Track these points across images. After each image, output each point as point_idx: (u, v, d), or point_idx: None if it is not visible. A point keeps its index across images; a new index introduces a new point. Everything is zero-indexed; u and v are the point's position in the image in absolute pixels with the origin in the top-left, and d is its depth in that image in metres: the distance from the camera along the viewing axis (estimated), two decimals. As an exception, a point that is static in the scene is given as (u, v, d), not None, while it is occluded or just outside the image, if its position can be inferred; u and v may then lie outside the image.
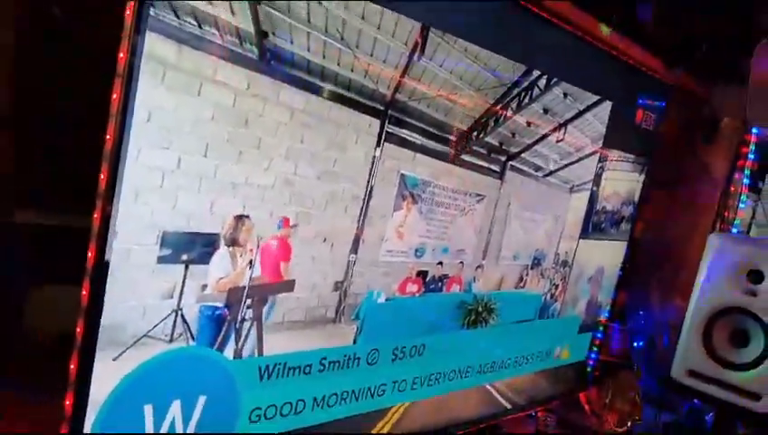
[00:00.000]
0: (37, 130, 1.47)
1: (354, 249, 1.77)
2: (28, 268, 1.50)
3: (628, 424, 3.02)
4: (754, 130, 3.34)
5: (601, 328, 3.07)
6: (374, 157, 1.75)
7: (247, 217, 1.51)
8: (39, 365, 1.52)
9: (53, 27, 1.49)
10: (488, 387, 2.42)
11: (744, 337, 2.46)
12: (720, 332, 2.49)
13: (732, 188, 3.43)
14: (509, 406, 2.55)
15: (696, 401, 3.03)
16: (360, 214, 1.76)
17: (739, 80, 2.80)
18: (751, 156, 3.39)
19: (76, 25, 1.46)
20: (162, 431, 1.47)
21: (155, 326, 1.41)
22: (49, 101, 1.47)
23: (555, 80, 2.24)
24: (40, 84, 1.49)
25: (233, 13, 1.36)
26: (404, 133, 1.81)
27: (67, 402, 1.33)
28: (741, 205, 3.44)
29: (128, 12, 1.22)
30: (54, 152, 1.43)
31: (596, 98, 2.48)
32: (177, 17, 1.28)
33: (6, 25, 1.47)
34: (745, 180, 3.40)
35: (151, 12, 1.23)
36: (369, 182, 1.75)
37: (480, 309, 2.25)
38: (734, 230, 3.45)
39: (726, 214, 3.44)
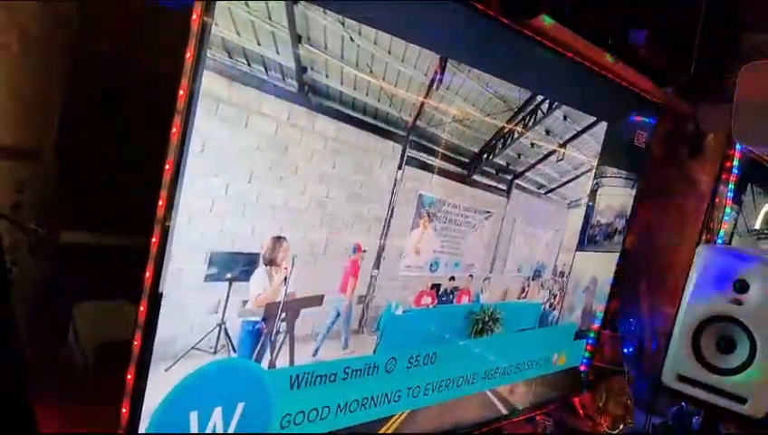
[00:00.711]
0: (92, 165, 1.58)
1: (377, 265, 1.90)
2: (77, 286, 1.61)
3: (621, 427, 3.16)
4: (738, 147, 3.51)
5: (594, 335, 3.22)
6: (396, 179, 1.87)
7: (284, 238, 1.62)
8: (87, 378, 1.62)
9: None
10: (489, 392, 2.56)
11: (731, 344, 2.57)
12: (708, 338, 2.60)
13: (717, 201, 3.60)
14: (509, 411, 2.69)
15: (683, 404, 3.19)
16: (382, 232, 1.88)
17: (724, 98, 2.93)
18: (735, 170, 3.57)
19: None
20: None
21: (201, 339, 1.52)
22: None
23: (556, 103, 2.38)
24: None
25: (278, 52, 1.48)
26: (423, 157, 1.94)
27: (123, 410, 1.43)
28: (725, 217, 3.61)
29: (188, 55, 1.33)
30: (108, 181, 1.53)
31: (593, 119, 2.63)
32: (230, 57, 1.39)
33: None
34: (730, 193, 3.57)
35: (208, 54, 1.35)
36: (390, 203, 1.88)
37: (486, 319, 2.39)
38: (719, 240, 3.62)
39: (712, 225, 3.60)
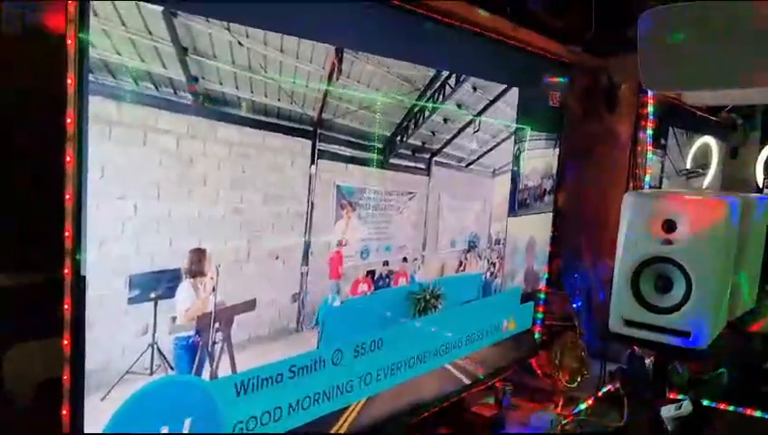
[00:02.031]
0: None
1: (305, 262, 1.91)
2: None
3: (579, 379, 3.26)
4: (650, 93, 3.63)
5: (542, 295, 3.30)
6: (310, 175, 1.89)
7: (203, 249, 1.63)
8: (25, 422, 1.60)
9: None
10: (447, 367, 2.61)
11: (668, 282, 2.62)
12: (646, 281, 2.65)
13: (639, 148, 3.72)
14: (468, 382, 2.74)
15: (635, 347, 3.29)
16: (306, 228, 1.90)
17: (630, 49, 3.02)
18: (651, 116, 3.69)
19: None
20: (155, 458, 1.58)
21: (135, 362, 1.52)
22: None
23: (463, 76, 2.43)
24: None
25: (164, 66, 1.48)
26: (335, 148, 1.96)
27: (64, 446, 1.43)
28: (649, 162, 3.74)
29: (69, 81, 1.32)
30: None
31: (503, 86, 2.69)
32: (115, 78, 1.39)
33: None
34: (649, 139, 3.70)
35: (90, 78, 1.34)
36: (309, 198, 1.90)
37: (427, 297, 2.43)
38: (647, 186, 3.74)
39: (637, 172, 3.72)
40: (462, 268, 2.62)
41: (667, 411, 2.40)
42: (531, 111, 2.90)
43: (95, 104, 1.36)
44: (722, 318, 2.72)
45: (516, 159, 2.87)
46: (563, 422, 2.88)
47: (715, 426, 2.80)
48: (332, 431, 2.09)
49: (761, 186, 5.30)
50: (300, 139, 1.85)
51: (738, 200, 2.70)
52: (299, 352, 1.93)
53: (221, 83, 1.61)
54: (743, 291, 2.99)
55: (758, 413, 3.36)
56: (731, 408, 3.42)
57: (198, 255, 1.62)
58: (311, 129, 1.88)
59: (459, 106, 2.47)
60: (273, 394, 1.86)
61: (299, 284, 1.91)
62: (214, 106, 1.60)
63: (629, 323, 2.72)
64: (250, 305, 1.77)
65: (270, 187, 1.78)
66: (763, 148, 5.32)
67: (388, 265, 2.22)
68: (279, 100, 1.76)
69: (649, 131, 3.67)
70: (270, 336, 1.84)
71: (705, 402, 3.34)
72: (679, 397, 2.94)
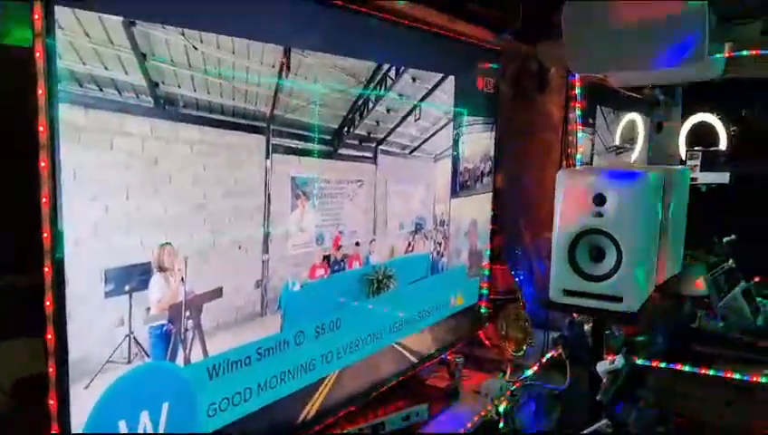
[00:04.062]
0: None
1: (266, 250, 2.04)
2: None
3: (524, 348, 3.47)
4: (577, 75, 3.85)
5: (486, 272, 3.49)
6: (266, 168, 2.01)
7: (169, 243, 1.74)
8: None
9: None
10: (402, 343, 2.77)
11: (601, 252, 2.79)
12: (581, 252, 2.81)
13: (569, 128, 3.94)
14: (422, 356, 2.91)
15: (574, 314, 3.51)
16: (265, 219, 2.02)
17: (557, 35, 3.20)
18: (579, 97, 3.91)
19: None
20: (137, 440, 1.69)
21: (114, 352, 1.62)
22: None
23: (403, 68, 2.58)
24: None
25: (126, 73, 1.58)
26: (287, 142, 2.08)
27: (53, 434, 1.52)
28: (579, 141, 3.96)
29: (40, 91, 1.41)
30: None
31: (440, 75, 2.85)
32: (81, 86, 1.48)
33: None
34: (579, 119, 3.92)
35: (59, 87, 1.44)
36: (266, 190, 2.02)
37: (380, 277, 2.58)
38: (579, 163, 3.96)
39: (569, 150, 3.95)
40: (411, 249, 2.78)
41: (602, 367, 2.60)
42: (467, 98, 3.08)
43: (65, 112, 1.45)
44: (650, 283, 2.92)
45: (456, 143, 3.04)
46: (512, 388, 3.08)
47: (646, 381, 3.03)
48: (297, 409, 2.23)
49: (684, 158, 5.63)
50: (255, 135, 1.97)
51: (662, 172, 2.91)
52: (264, 335, 2.06)
53: (179, 86, 1.72)
54: (669, 257, 3.22)
55: (687, 368, 3.64)
56: (663, 365, 3.70)
57: (166, 249, 1.73)
58: (264, 125, 1.99)
59: (400, 96, 2.62)
60: (243, 376, 1.99)
61: (261, 271, 2.03)
62: (174, 108, 1.71)
63: (568, 293, 2.86)
64: (217, 293, 1.88)
65: (230, 182, 1.89)
66: (684, 122, 5.64)
67: (342, 248, 2.36)
68: (234, 99, 1.87)
69: (578, 112, 3.89)
70: (237, 321, 1.96)
71: (640, 361, 3.61)
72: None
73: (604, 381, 2.62)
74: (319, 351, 2.29)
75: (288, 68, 2.04)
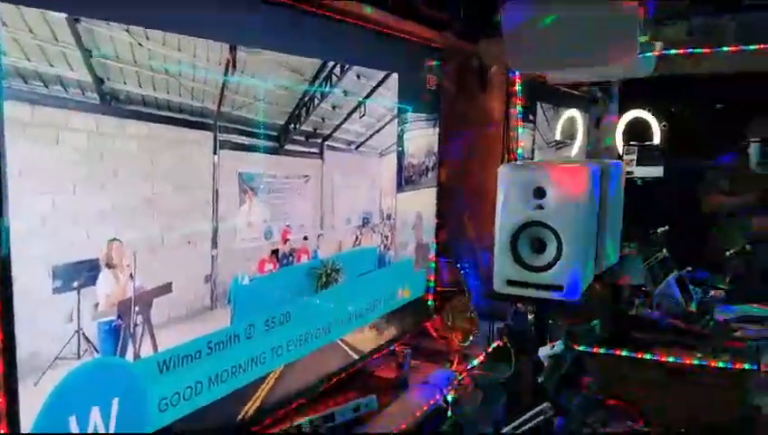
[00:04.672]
0: None
1: (215, 244, 2.06)
2: None
3: (470, 338, 3.56)
4: (518, 73, 3.96)
5: (432, 265, 3.57)
6: (214, 164, 2.03)
7: (118, 239, 1.74)
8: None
9: None
10: (351, 335, 2.81)
11: (542, 244, 2.87)
12: (523, 244, 2.89)
13: (510, 124, 4.05)
14: (371, 348, 2.96)
15: (517, 304, 3.62)
16: (213, 214, 2.05)
17: (497, 34, 3.29)
18: (519, 94, 4.03)
19: None
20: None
21: (63, 348, 1.62)
22: None
23: (348, 66, 2.63)
24: None
25: (72, 69, 1.58)
26: (235, 138, 2.11)
27: (1, 432, 1.52)
28: (520, 136, 4.08)
29: (-16, 87, 1.41)
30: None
31: (384, 73, 2.91)
32: (26, 82, 1.48)
33: None
34: (519, 115, 4.03)
35: (4, 83, 1.43)
36: (214, 186, 2.04)
37: (328, 271, 2.62)
38: (520, 158, 4.08)
39: (510, 145, 4.06)
40: (358, 243, 2.83)
41: (543, 351, 2.70)
42: (410, 95, 3.14)
43: (9, 108, 1.45)
44: (590, 272, 3.03)
45: (400, 139, 3.10)
46: (459, 378, 3.16)
47: (587, 367, 3.15)
48: (248, 402, 2.26)
49: (621, 153, 5.83)
50: (202, 131, 1.99)
51: (599, 166, 3.02)
52: (214, 329, 2.08)
53: (125, 82, 1.72)
54: (607, 247, 3.35)
55: (625, 353, 3.81)
56: (602, 351, 3.85)
57: (114, 244, 1.73)
58: (211, 121, 2.01)
59: (345, 93, 2.66)
60: (194, 370, 2.00)
61: (210, 266, 2.05)
62: (120, 104, 1.71)
63: (511, 283, 2.92)
64: (166, 288, 1.90)
65: (178, 177, 1.91)
66: (621, 117, 5.85)
67: (290, 242, 2.39)
68: (180, 95, 1.89)
69: (519, 108, 4.01)
70: (187, 316, 1.98)
71: (581, 348, 3.74)
72: (557, 344, 3.28)
73: (546, 365, 2.71)
74: (269, 344, 2.32)
75: (234, 65, 2.07)
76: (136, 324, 1.81)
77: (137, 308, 1.81)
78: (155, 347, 1.87)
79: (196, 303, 2.01)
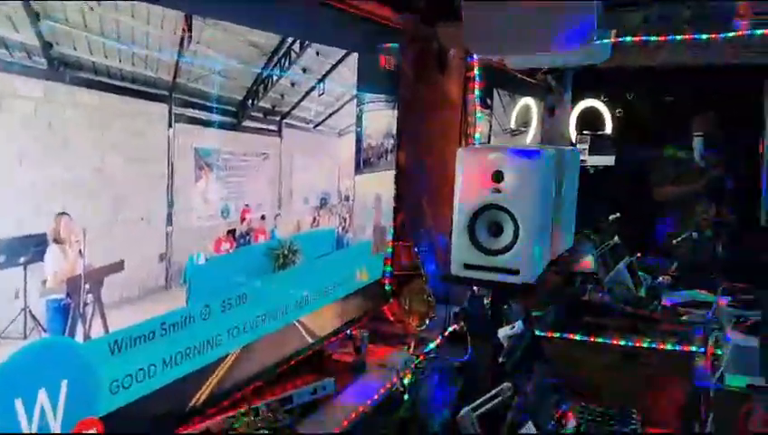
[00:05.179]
0: None
1: (169, 222, 1.98)
2: None
3: (427, 321, 3.55)
4: (476, 57, 3.96)
5: (389, 249, 3.54)
6: (169, 137, 1.96)
7: (66, 213, 1.66)
8: None
9: None
10: (307, 317, 2.77)
11: (499, 227, 2.88)
12: (481, 227, 2.90)
13: (468, 108, 4.04)
14: (329, 331, 2.92)
15: (474, 288, 3.64)
16: (168, 190, 1.97)
17: (457, 17, 3.27)
18: (477, 78, 4.02)
19: None
20: (34, 418, 1.61)
21: (8, 326, 1.54)
22: None
23: (307, 42, 2.57)
24: None
25: (17, 32, 1.49)
26: (191, 112, 2.03)
27: (-59, 414, 1.43)
28: (478, 121, 4.08)
29: None
30: None
31: (344, 52, 2.85)
32: (-33, 44, 1.39)
33: None
34: (477, 99, 4.03)
35: (-58, 44, 1.34)
36: (169, 160, 1.96)
37: (286, 252, 2.57)
38: (477, 142, 4.08)
39: (469, 130, 4.06)
40: (316, 224, 2.78)
41: (503, 332, 2.71)
42: (370, 75, 3.10)
43: (-51, 70, 1.36)
44: (545, 257, 3.06)
45: (359, 120, 3.06)
46: (416, 361, 3.15)
47: (543, 351, 3.18)
48: (204, 385, 2.19)
49: (574, 140, 5.91)
50: (156, 103, 1.91)
51: (554, 152, 3.05)
52: (169, 310, 2.01)
53: (75, 48, 1.64)
54: (562, 232, 3.39)
55: (578, 337, 3.86)
56: (557, 335, 3.90)
57: (63, 218, 1.65)
58: (166, 93, 1.93)
59: (304, 71, 2.61)
60: (147, 351, 1.93)
61: (165, 244, 1.98)
62: (69, 71, 1.63)
63: (468, 267, 2.94)
64: (118, 266, 1.82)
65: (130, 150, 1.83)
66: (574, 107, 5.93)
67: (247, 222, 2.33)
68: (133, 64, 1.81)
69: (477, 93, 4.01)
70: (140, 296, 1.90)
71: (537, 332, 3.78)
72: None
73: (506, 345, 2.72)
74: (225, 326, 2.26)
75: (190, 36, 1.99)
76: (86, 303, 1.73)
77: (87, 286, 1.73)
78: (106, 328, 1.79)
79: (149, 282, 1.94)
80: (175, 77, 1.96)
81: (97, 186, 1.73)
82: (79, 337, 1.72)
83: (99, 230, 1.75)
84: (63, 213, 1.65)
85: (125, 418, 1.85)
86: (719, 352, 3.12)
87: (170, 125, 1.96)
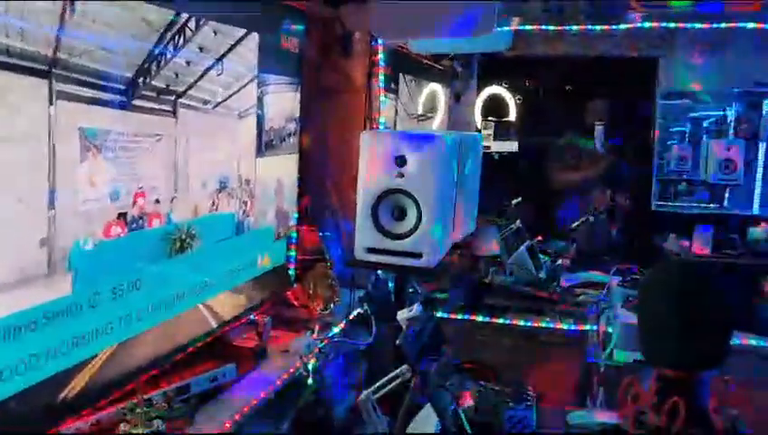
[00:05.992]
0: None
1: (51, 205, 1.87)
2: None
3: (331, 306, 3.54)
4: (380, 41, 3.95)
5: (293, 234, 3.50)
6: (50, 115, 1.84)
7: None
8: None
9: None
10: (207, 304, 2.70)
11: (402, 211, 2.89)
12: (384, 211, 2.90)
13: (373, 93, 4.03)
14: (229, 317, 2.86)
15: (378, 272, 3.65)
16: (50, 171, 1.86)
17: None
18: (382, 63, 4.02)
19: None
20: None
21: None
22: None
23: (203, 20, 2.48)
24: None
25: None
26: (75, 89, 1.92)
27: None
28: (383, 105, 4.08)
29: None
30: None
31: (243, 31, 2.78)
32: None
33: None
34: (381, 84, 4.03)
35: None
36: (50, 140, 1.85)
37: (183, 236, 2.49)
38: (382, 127, 4.08)
39: (373, 115, 4.05)
40: (215, 208, 2.71)
41: (402, 315, 2.73)
42: (271, 56, 3.04)
43: None
44: (448, 240, 3.09)
45: (260, 102, 2.99)
46: (320, 346, 3.13)
47: (446, 333, 3.22)
48: (92, 375, 2.10)
49: (479, 127, 6.03)
50: (35, 78, 1.79)
51: (456, 137, 3.08)
52: (53, 298, 1.90)
53: (-60, 17, 1.52)
54: (465, 216, 3.44)
55: (481, 318, 3.96)
56: (460, 317, 3.98)
57: (-71, 201, 1.53)
58: (46, 68, 1.82)
59: (201, 49, 2.52)
60: (29, 342, 1.82)
61: (46, 228, 1.87)
62: (-67, 42, 1.51)
63: (372, 251, 2.94)
64: (-11, 251, 1.71)
65: (5, 127, 1.71)
66: (480, 93, 6.03)
67: (138, 206, 2.24)
68: (8, 36, 1.69)
69: (382, 77, 4.00)
70: (20, 283, 1.79)
71: (440, 314, 3.85)
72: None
73: (404, 328, 2.74)
74: (116, 313, 2.17)
75: (73, 9, 1.88)
76: (-43, 292, 1.62)
77: (-42, 273, 1.62)
78: (-20, 317, 1.68)
79: (30, 268, 1.83)
80: (56, 51, 1.84)
81: (-32, 166, 1.61)
82: (-51, 328, 1.61)
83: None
84: (-71, 195, 1.53)
85: (3, 411, 1.75)
86: (610, 331, 3.25)
87: (51, 102, 1.85)
